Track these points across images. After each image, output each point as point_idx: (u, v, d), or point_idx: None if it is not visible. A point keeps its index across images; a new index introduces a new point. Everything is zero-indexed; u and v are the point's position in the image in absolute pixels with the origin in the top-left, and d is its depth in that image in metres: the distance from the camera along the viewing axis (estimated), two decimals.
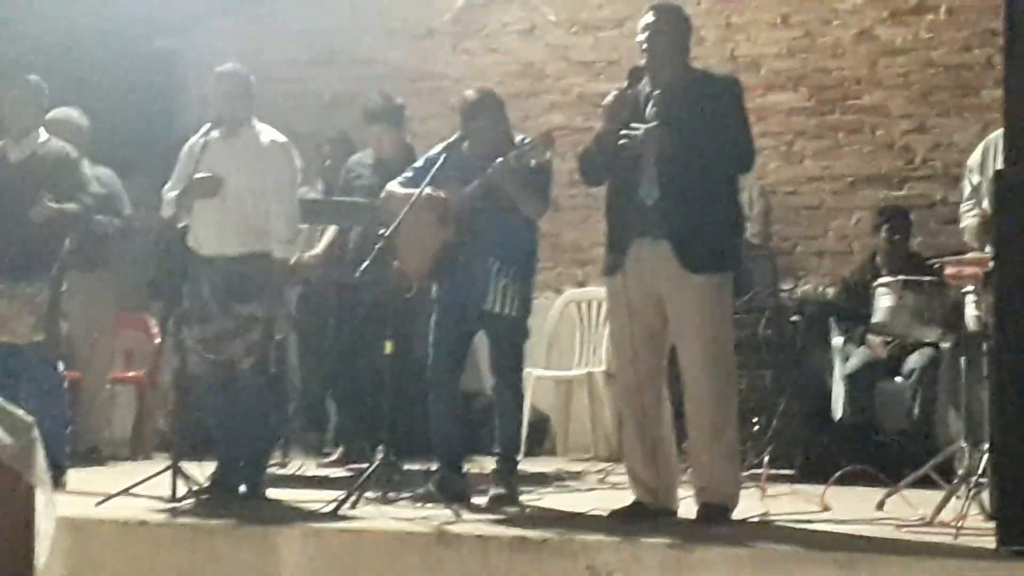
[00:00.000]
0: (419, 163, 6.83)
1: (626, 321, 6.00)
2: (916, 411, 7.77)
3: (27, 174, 7.22)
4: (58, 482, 6.46)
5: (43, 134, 7.41)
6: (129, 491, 6.54)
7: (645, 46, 6.03)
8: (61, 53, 8.81)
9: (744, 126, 6.06)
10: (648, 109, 6.02)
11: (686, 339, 5.96)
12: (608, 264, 6.11)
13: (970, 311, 6.50)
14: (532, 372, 8.66)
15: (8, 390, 6.61)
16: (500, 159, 6.43)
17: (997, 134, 6.85)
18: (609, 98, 6.09)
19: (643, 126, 5.91)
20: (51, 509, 5.65)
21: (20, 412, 5.63)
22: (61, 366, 7.46)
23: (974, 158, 7.11)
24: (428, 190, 6.50)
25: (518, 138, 6.66)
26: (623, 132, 5.90)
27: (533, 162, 6.52)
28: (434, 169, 6.54)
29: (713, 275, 5.94)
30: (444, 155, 6.63)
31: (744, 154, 6.09)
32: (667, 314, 5.99)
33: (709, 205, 5.95)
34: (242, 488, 6.73)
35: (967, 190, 7.15)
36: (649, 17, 6.08)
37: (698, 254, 5.88)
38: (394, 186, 6.82)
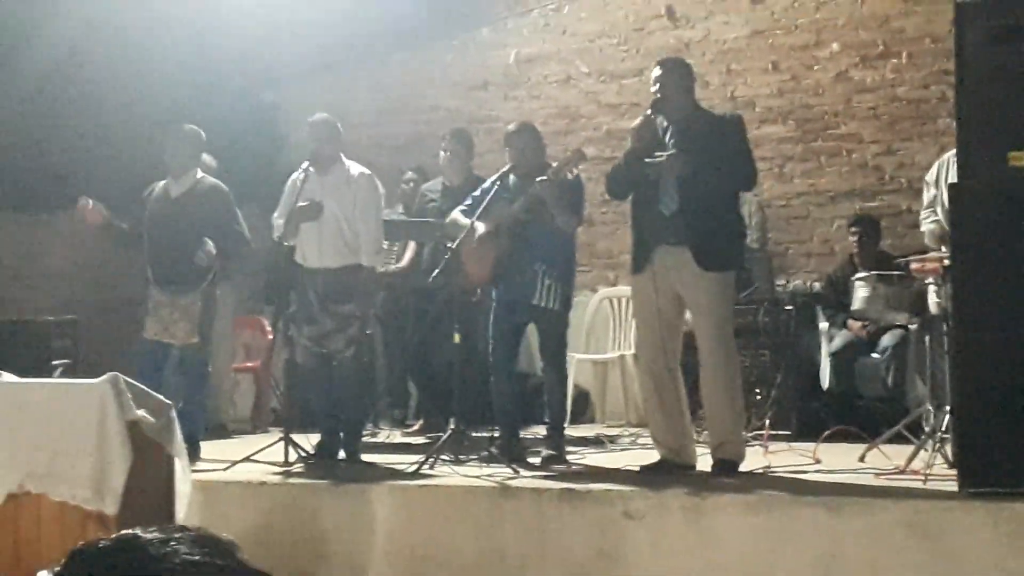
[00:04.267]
0: (477, 192, 6.83)
1: (648, 313, 6.01)
2: (890, 380, 7.72)
3: (186, 207, 7.10)
4: (194, 454, 6.50)
5: (199, 173, 7.27)
6: (250, 458, 6.57)
7: (658, 95, 6.01)
8: (187, 107, 8.88)
9: (748, 153, 6.07)
10: (667, 139, 6.03)
11: (702, 325, 5.97)
12: (634, 265, 6.12)
13: (932, 298, 6.49)
14: (574, 356, 8.65)
15: (153, 380, 6.64)
16: (541, 178, 6.42)
17: (947, 155, 6.87)
18: (636, 122, 6.08)
19: (665, 153, 5.93)
20: (187, 474, 5.75)
21: (160, 396, 5.71)
22: (209, 364, 7.36)
23: (930, 174, 7.12)
24: (478, 224, 6.52)
25: (553, 163, 6.65)
26: (647, 160, 5.91)
27: (569, 176, 6.50)
28: (486, 201, 6.55)
29: (722, 273, 5.95)
30: (497, 184, 6.63)
31: (748, 175, 6.11)
32: (685, 306, 6.00)
33: (718, 216, 5.96)
34: (341, 454, 6.77)
35: (925, 201, 7.14)
36: (657, 71, 6.09)
37: (711, 256, 5.89)
38: (456, 214, 6.81)
